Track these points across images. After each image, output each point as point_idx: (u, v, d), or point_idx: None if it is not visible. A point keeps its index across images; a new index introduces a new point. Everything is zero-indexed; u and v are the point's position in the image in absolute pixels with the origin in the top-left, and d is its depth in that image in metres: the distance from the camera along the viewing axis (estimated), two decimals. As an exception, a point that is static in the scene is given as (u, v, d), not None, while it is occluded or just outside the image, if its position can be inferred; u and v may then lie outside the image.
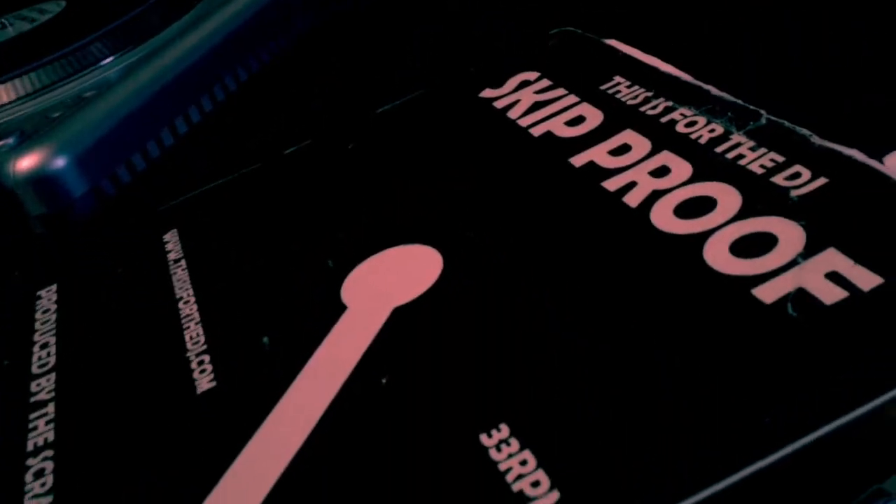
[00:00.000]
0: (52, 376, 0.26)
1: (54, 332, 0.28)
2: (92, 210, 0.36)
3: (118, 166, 0.37)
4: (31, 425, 0.24)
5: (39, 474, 0.22)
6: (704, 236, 0.22)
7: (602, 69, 0.33)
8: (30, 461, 0.22)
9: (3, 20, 0.48)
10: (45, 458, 0.22)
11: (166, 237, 0.32)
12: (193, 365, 0.24)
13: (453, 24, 0.45)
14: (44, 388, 0.25)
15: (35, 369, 0.26)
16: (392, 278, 0.25)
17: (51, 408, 0.24)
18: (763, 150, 0.25)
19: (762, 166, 0.24)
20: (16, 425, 0.24)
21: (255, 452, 0.20)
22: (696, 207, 0.23)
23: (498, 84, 0.34)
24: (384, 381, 0.21)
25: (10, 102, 0.40)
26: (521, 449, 0.18)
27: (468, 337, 0.21)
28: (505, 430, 0.18)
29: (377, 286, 0.24)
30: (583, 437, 0.18)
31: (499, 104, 0.33)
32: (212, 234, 0.31)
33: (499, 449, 0.18)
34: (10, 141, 0.36)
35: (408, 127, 0.34)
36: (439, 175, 0.30)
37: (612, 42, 0.34)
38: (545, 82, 0.33)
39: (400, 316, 0.23)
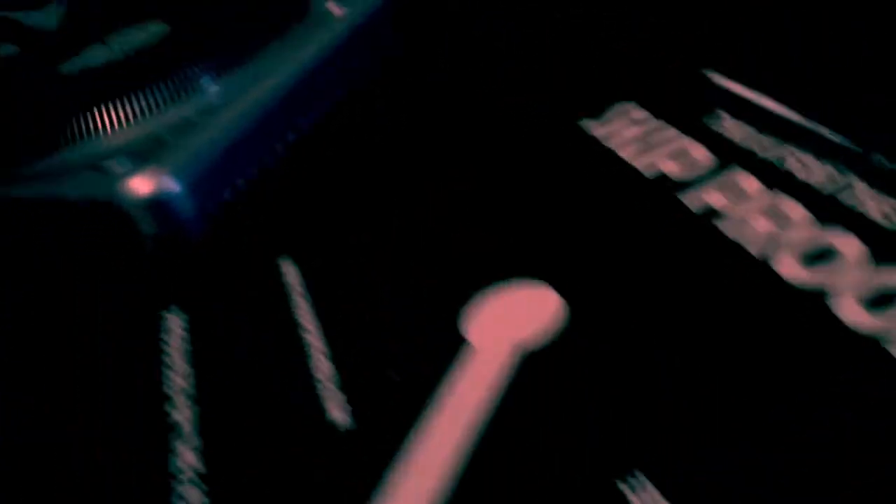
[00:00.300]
0: (188, 401, 0.27)
1: (183, 355, 0.29)
2: (203, 231, 0.38)
3: (227, 189, 0.39)
4: (171, 447, 0.25)
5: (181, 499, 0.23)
6: (831, 290, 0.22)
7: (706, 104, 0.33)
8: (175, 485, 0.24)
9: (108, 40, 0.49)
10: (192, 482, 0.24)
11: (282, 264, 0.33)
12: (322, 395, 0.25)
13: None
14: (181, 412, 0.27)
15: (169, 391, 0.28)
16: (515, 319, 0.25)
17: (190, 432, 0.25)
18: (880, 194, 0.25)
19: (882, 213, 0.24)
20: (157, 446, 0.25)
21: (396, 494, 0.21)
22: (819, 256, 0.24)
23: (601, 117, 0.35)
24: (510, 423, 0.22)
25: (118, 124, 0.42)
26: (658, 497, 0.19)
27: (598, 382, 0.22)
28: (641, 477, 0.19)
29: (501, 327, 0.25)
30: (715, 483, 0.18)
31: (605, 140, 0.33)
32: (328, 263, 0.32)
33: (634, 491, 0.19)
34: (124, 163, 0.38)
35: (519, 165, 0.35)
36: (553, 212, 0.30)
37: (716, 77, 0.35)
38: (647, 115, 0.34)
39: (527, 358, 0.24)
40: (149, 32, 0.48)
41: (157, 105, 0.42)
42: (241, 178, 0.40)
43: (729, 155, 0.30)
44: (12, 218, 0.41)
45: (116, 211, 0.37)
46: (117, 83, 0.44)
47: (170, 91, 0.43)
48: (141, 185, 0.37)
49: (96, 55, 0.48)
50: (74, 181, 0.39)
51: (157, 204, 0.37)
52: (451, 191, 0.34)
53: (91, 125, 0.42)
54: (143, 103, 0.42)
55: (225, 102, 0.41)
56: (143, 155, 0.39)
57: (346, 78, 0.47)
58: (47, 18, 0.84)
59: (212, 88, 0.43)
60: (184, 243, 0.37)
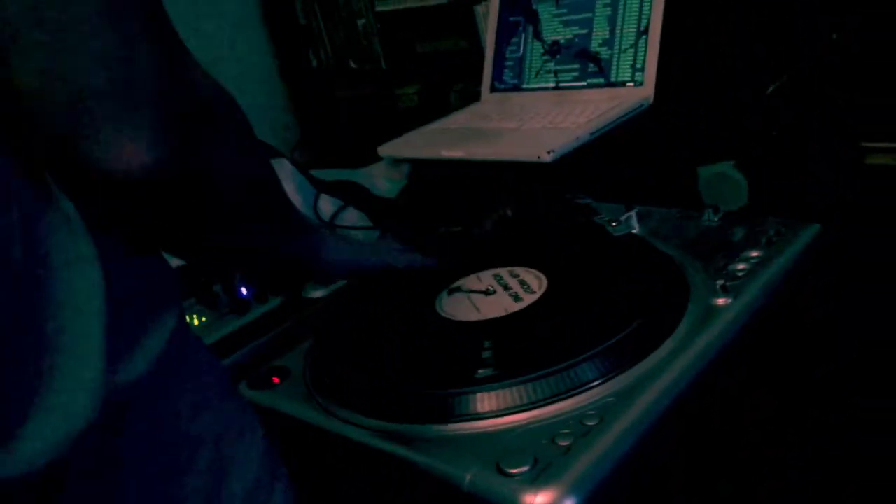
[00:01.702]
0: None
1: None
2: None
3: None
4: None
5: None
6: None
7: None
8: None
9: (485, 281, 0.52)
10: None
11: None
12: None
13: None
14: None
15: None
16: None
17: None
18: None
19: None
20: None
21: None
22: None
23: None
24: None
25: (501, 410, 0.42)
26: None
27: None
28: None
29: None
30: None
31: None
32: None
33: None
34: (526, 469, 0.38)
35: None
36: None
37: None
38: None
39: None
40: (526, 287, 0.50)
41: (543, 398, 0.43)
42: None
43: None
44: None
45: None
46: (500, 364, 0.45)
47: (557, 384, 0.43)
48: (541, 498, 0.37)
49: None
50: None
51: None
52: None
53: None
54: (531, 393, 0.43)
55: (624, 409, 0.41)
56: (545, 465, 0.39)
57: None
58: (390, 189, 0.92)
59: (600, 386, 0.43)
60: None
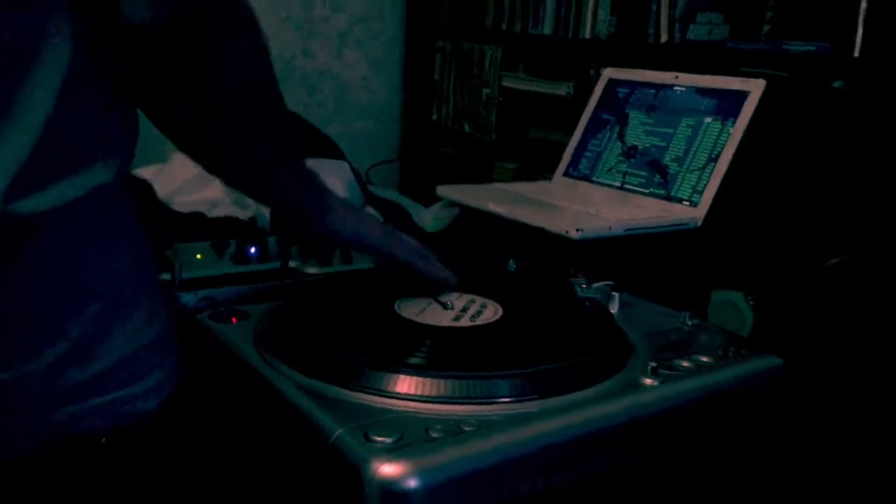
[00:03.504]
0: None
1: None
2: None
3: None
4: None
5: None
6: None
7: None
8: None
9: (448, 302, 0.55)
10: None
11: None
12: None
13: None
14: None
15: None
16: None
17: None
18: None
19: None
20: None
21: None
22: None
23: None
24: None
25: (403, 394, 0.45)
26: None
27: None
28: None
29: None
30: None
31: None
32: None
33: None
34: (389, 441, 0.40)
35: None
36: None
37: None
38: None
39: None
40: (481, 305, 0.52)
41: (453, 395, 0.45)
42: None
43: None
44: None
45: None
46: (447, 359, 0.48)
47: (468, 388, 0.45)
48: (387, 468, 0.39)
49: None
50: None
51: (390, 493, 0.38)
52: None
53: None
54: (443, 388, 0.45)
55: (505, 424, 0.43)
56: (407, 443, 0.40)
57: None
58: (433, 225, 0.96)
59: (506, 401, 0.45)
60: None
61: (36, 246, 0.36)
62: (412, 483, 0.39)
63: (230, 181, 0.53)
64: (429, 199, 0.95)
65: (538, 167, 1.20)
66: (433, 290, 0.57)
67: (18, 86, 0.34)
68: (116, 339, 0.40)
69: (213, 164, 0.48)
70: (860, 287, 0.75)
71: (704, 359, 0.51)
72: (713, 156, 0.83)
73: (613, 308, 0.59)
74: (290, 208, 0.53)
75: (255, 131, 0.45)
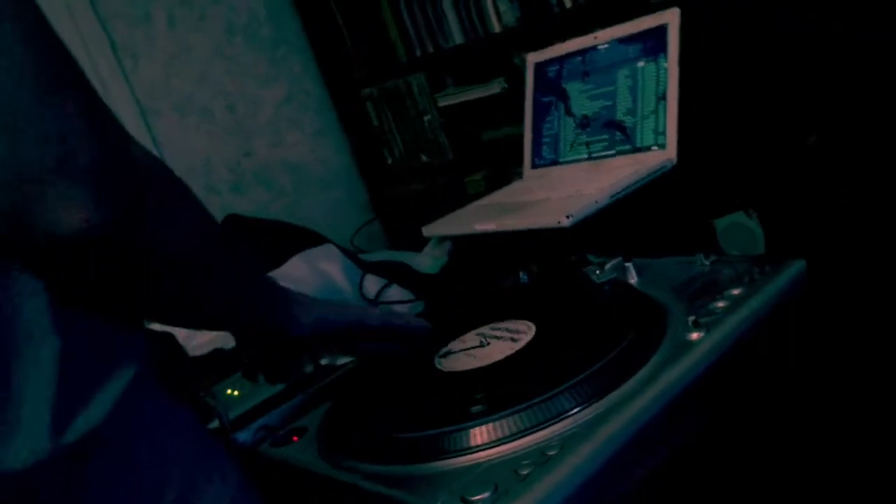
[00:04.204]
0: None
1: None
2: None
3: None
4: None
5: None
6: None
7: None
8: None
9: (482, 335, 0.55)
10: None
11: None
12: None
13: None
14: None
15: None
16: None
17: None
18: None
19: None
20: None
21: None
22: None
23: None
24: None
25: (480, 445, 0.45)
26: None
27: None
28: None
29: None
30: None
31: None
32: None
33: None
34: (486, 496, 0.41)
35: None
36: None
37: None
38: None
39: None
40: (516, 333, 0.53)
41: (518, 431, 0.45)
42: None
43: None
44: None
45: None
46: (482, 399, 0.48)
47: (533, 416, 0.46)
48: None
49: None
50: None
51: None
52: None
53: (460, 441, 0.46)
54: (509, 427, 0.46)
55: (586, 442, 0.43)
56: (503, 491, 0.41)
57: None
58: (432, 266, 0.96)
59: (574, 416, 0.45)
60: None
61: (100, 457, 0.37)
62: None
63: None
64: (419, 241, 0.96)
65: (505, 165, 1.21)
66: (412, 343, 0.57)
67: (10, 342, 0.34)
68: None
69: (168, 322, 0.49)
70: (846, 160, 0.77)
71: (735, 291, 0.52)
72: (660, 95, 0.84)
73: (632, 279, 0.60)
74: (256, 327, 0.51)
75: (207, 285, 0.44)
